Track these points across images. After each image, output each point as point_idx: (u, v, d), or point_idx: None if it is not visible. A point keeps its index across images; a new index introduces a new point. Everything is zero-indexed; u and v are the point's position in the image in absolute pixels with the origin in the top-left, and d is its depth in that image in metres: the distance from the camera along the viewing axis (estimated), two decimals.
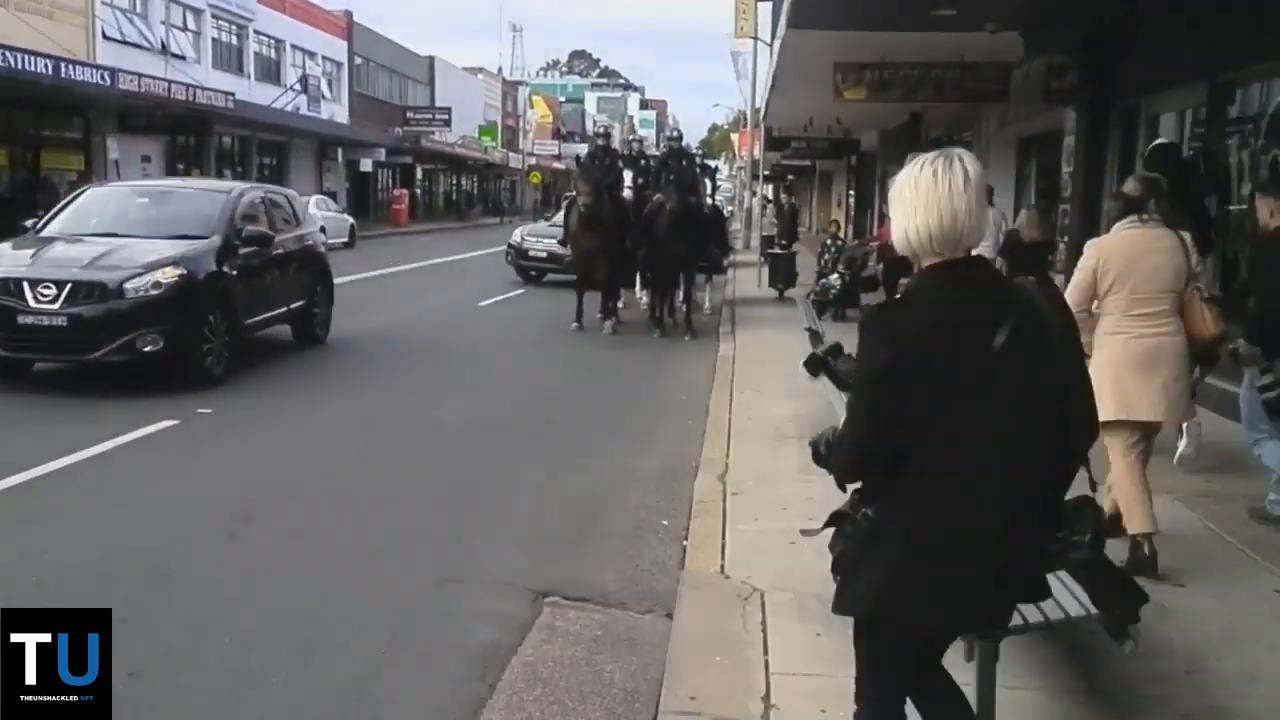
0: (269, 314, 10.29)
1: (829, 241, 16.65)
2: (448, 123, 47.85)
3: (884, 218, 15.90)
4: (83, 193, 10.85)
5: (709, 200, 15.19)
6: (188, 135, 30.24)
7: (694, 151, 18.97)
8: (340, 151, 40.35)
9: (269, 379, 9.69)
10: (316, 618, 4.40)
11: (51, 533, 5.30)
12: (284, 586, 4.75)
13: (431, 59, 53.57)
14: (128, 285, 8.38)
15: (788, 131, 27.38)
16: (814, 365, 2.53)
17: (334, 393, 9.25)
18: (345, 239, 29.61)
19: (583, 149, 17.12)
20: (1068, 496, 2.52)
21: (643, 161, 15.73)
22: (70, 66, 20.46)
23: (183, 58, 30.67)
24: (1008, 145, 15.40)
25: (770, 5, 23.42)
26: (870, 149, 27.37)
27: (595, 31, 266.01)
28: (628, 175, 14.99)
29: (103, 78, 21.54)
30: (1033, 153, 14.65)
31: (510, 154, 63.04)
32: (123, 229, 9.44)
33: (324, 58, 41.19)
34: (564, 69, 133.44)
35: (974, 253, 2.37)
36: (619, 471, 6.83)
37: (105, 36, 26.62)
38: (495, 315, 15.54)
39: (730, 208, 42.78)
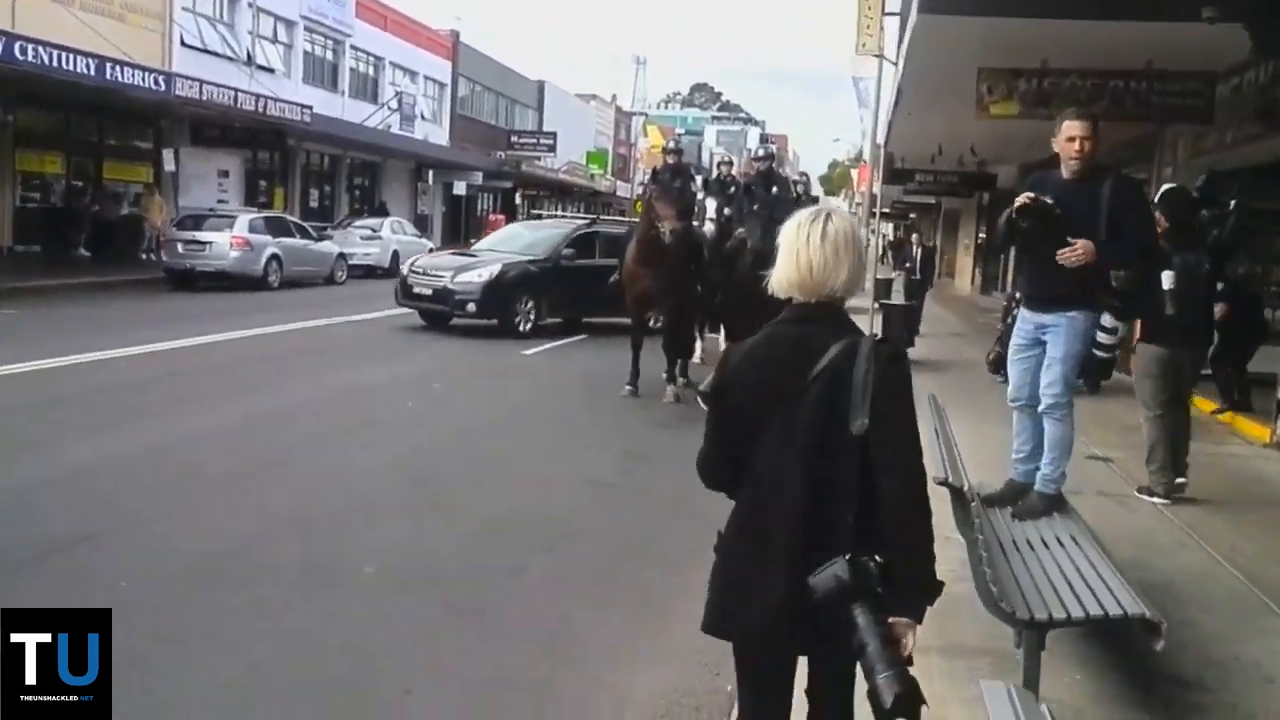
0: None
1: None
2: (552, 148, 45.89)
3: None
4: None
5: None
6: (271, 151, 28.76)
7: (793, 177, 15.95)
8: (432, 174, 38.64)
9: None
10: None
11: None
12: None
13: (541, 83, 51.93)
14: None
15: (912, 163, 24.09)
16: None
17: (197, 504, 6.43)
18: None
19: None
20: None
21: (732, 189, 12.81)
22: (118, 68, 18.69)
23: (271, 70, 29.28)
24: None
25: (898, 19, 20.30)
26: (1007, 185, 23.87)
27: (720, 68, 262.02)
28: (710, 204, 12.16)
29: (156, 82, 19.78)
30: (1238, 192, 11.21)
31: (619, 183, 60.90)
32: None
33: (426, 77, 39.69)
34: (684, 101, 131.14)
35: None
36: (594, 699, 3.97)
37: (184, 44, 25.25)
38: (534, 370, 12.82)
39: None
